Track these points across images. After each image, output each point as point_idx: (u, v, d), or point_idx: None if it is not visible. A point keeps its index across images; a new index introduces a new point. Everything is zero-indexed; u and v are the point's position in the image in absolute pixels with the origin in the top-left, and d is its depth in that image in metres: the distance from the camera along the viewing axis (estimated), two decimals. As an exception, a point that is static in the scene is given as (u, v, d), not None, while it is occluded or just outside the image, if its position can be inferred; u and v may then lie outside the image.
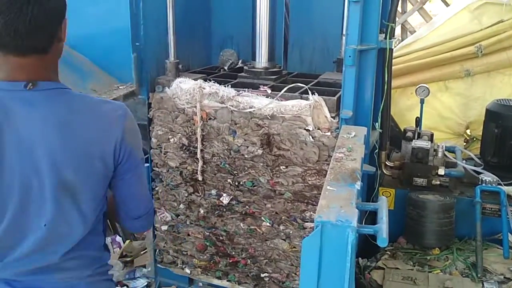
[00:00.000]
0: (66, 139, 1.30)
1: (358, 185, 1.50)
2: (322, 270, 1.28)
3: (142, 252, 3.36)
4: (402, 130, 2.94)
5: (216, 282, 2.73)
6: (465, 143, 4.04)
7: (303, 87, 2.34)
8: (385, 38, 2.34)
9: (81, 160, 1.33)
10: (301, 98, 2.27)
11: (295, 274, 2.52)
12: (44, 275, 1.38)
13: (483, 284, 2.22)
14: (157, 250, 2.85)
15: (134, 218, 1.53)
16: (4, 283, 1.35)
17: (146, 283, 3.02)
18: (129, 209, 1.52)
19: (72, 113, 1.32)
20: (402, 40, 4.27)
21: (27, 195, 1.29)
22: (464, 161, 2.80)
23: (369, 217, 2.15)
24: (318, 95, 2.23)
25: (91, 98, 1.47)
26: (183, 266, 2.78)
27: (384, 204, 1.46)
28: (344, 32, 2.57)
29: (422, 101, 3.06)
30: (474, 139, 4.07)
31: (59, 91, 1.33)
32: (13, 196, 1.28)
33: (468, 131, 4.15)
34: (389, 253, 2.50)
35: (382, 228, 1.31)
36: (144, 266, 3.20)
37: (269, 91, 2.36)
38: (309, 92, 2.24)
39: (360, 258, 2.54)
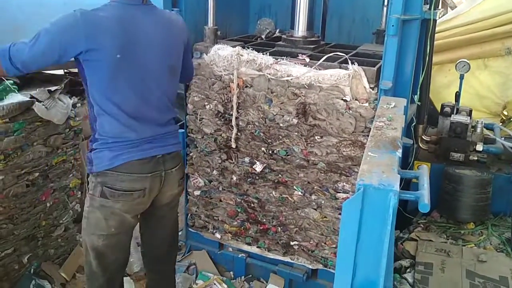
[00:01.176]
0: (169, 35, 2.04)
1: (399, 152, 1.49)
2: (361, 233, 1.29)
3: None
4: (440, 106, 2.89)
5: (246, 248, 2.78)
6: (501, 123, 3.95)
7: (342, 56, 2.32)
8: (429, 8, 2.28)
9: (178, 49, 2.11)
10: (340, 68, 2.24)
11: (325, 243, 2.54)
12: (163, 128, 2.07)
13: (517, 260, 2.20)
14: (189, 215, 2.91)
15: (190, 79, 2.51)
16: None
17: (176, 247, 3.09)
18: (188, 73, 2.38)
19: (166, 19, 2.05)
20: (443, 15, 4.14)
21: (152, 73, 1.98)
22: (502, 138, 2.75)
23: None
24: (357, 65, 2.21)
25: (165, 11, 2.19)
26: (214, 231, 2.84)
27: (425, 172, 1.45)
28: (385, 3, 2.53)
29: (461, 77, 2.99)
30: (511, 119, 3.97)
31: (153, 6, 2.01)
32: (147, 73, 1.95)
33: (505, 112, 4.04)
34: (422, 225, 2.50)
35: (424, 194, 1.31)
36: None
37: (307, 59, 2.34)
38: (349, 62, 2.21)
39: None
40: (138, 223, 2.24)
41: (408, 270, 2.20)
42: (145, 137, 1.98)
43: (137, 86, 1.93)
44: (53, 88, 2.53)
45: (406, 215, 2.63)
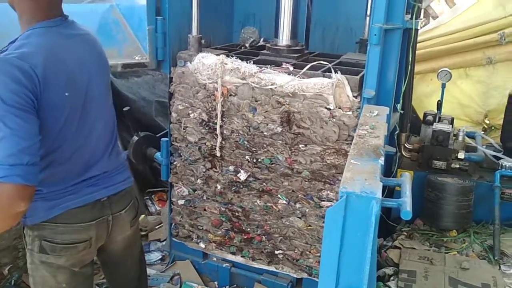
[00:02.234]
0: (96, 55, 1.74)
1: (381, 160, 1.50)
2: (344, 240, 1.29)
3: (157, 227, 3.40)
4: (422, 115, 2.92)
5: (230, 257, 2.76)
6: (483, 132, 4.01)
7: (326, 65, 2.33)
8: (411, 18, 2.32)
9: (106, 70, 1.83)
10: (323, 77, 2.26)
11: (309, 252, 2.54)
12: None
13: (500, 267, 2.22)
14: (173, 224, 2.88)
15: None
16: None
17: (160, 257, 3.05)
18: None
19: (88, 35, 1.74)
20: (425, 25, 4.21)
21: (88, 100, 1.67)
22: (484, 146, 2.78)
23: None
24: (341, 74, 2.22)
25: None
26: (198, 241, 2.81)
27: (407, 179, 1.46)
28: (368, 12, 2.56)
29: (443, 86, 3.03)
30: (493, 128, 4.04)
31: (72, 21, 1.69)
32: (82, 98, 1.65)
33: (486, 120, 4.11)
34: (405, 233, 2.51)
35: (406, 201, 1.31)
36: (159, 240, 3.23)
37: (291, 68, 2.35)
38: (332, 71, 2.23)
39: (378, 239, 2.55)
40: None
41: (391, 278, 2.20)
42: (86, 179, 1.70)
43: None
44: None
45: (389, 223, 2.65)
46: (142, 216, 3.53)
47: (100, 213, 1.72)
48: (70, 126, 1.60)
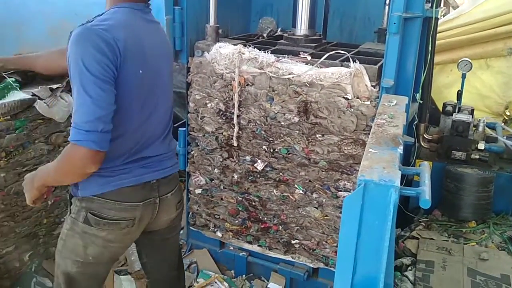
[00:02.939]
0: (166, 46, 1.92)
1: (400, 149, 1.49)
2: (362, 229, 1.29)
3: (174, 216, 3.43)
4: (442, 106, 2.89)
5: (246, 246, 2.78)
6: (503, 123, 3.94)
7: (344, 54, 2.32)
8: (431, 7, 2.28)
9: (171, 61, 2.00)
10: (341, 66, 2.24)
11: (326, 242, 2.54)
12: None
13: (520, 258, 2.20)
14: (190, 213, 2.91)
15: None
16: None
17: (178, 245, 3.08)
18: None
19: (160, 25, 1.91)
20: (445, 15, 4.14)
21: (155, 83, 1.78)
22: (504, 137, 2.74)
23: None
24: (359, 63, 2.20)
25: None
26: (215, 230, 2.84)
27: (426, 168, 1.45)
28: (387, 1, 2.53)
29: (463, 76, 2.98)
30: (514, 119, 3.96)
31: (151, 10, 1.83)
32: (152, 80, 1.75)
33: (507, 111, 4.04)
34: (423, 224, 2.49)
35: (425, 190, 1.31)
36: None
37: (309, 57, 2.34)
38: (350, 60, 2.21)
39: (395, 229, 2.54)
40: (137, 253, 2.13)
41: (409, 268, 2.19)
42: (139, 159, 1.78)
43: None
44: (54, 86, 2.53)
45: (407, 213, 2.63)
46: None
47: (148, 195, 1.81)
48: (137, 104, 1.71)
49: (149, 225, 1.89)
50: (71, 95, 2.63)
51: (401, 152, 1.48)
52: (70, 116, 2.60)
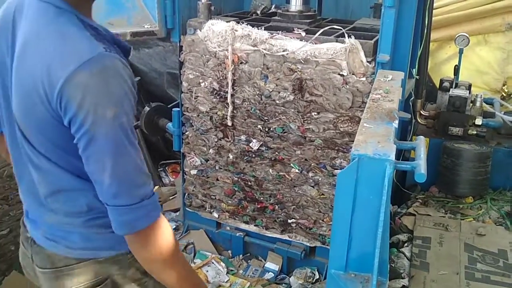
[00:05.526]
0: None
1: (395, 123, 1.46)
2: (357, 204, 1.26)
3: (171, 198, 3.42)
4: (438, 81, 2.86)
5: (243, 226, 2.77)
6: (501, 100, 3.91)
7: (339, 30, 2.27)
8: (428, -21, 2.23)
9: None
10: (337, 42, 2.20)
11: (322, 220, 2.52)
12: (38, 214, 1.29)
13: (517, 233, 2.19)
14: (186, 194, 2.89)
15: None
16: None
17: (174, 226, 3.07)
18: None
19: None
20: (442, -10, 4.07)
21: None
22: (502, 112, 2.72)
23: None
24: (354, 39, 2.16)
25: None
26: (211, 210, 2.82)
27: (422, 142, 1.42)
28: (383, -26, 2.46)
29: (461, 51, 2.94)
30: (511, 95, 3.93)
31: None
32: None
33: (505, 88, 4.00)
34: (420, 200, 2.48)
35: (420, 164, 1.28)
36: (173, 211, 3.26)
37: (303, 34, 2.29)
38: (346, 35, 2.17)
39: (390, 205, 2.53)
40: None
41: (405, 244, 2.19)
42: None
43: None
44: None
45: (404, 190, 2.62)
46: (156, 187, 3.56)
47: (26, 248, 1.38)
48: None
49: None
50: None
51: (396, 127, 1.45)
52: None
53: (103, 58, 1.03)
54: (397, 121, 1.48)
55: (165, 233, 1.18)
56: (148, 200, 1.12)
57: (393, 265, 2.03)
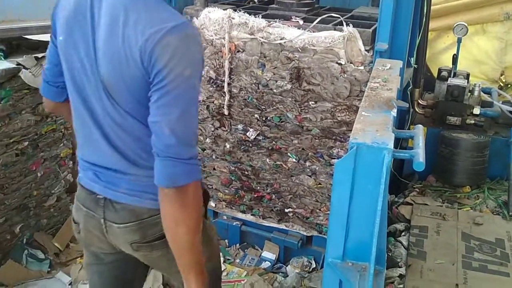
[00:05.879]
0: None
1: (394, 112, 1.45)
2: (354, 193, 1.26)
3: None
4: (436, 71, 2.84)
5: (240, 216, 2.76)
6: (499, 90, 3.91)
7: (337, 18, 2.25)
8: (427, -33, 2.21)
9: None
10: (335, 30, 2.18)
11: (319, 210, 2.52)
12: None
13: (514, 222, 2.19)
14: (183, 184, 2.87)
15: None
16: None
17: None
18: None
19: None
20: (441, -21, 4.05)
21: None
22: (500, 102, 2.71)
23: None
24: (352, 27, 2.14)
25: None
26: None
27: (420, 131, 1.41)
28: (382, -38, 2.44)
29: (459, 40, 2.91)
30: (509, 85, 3.93)
31: None
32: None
33: (503, 78, 4.00)
34: (417, 190, 2.48)
35: (419, 152, 1.27)
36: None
37: (301, 22, 2.27)
38: (344, 24, 2.15)
39: (388, 194, 2.52)
40: None
41: (403, 233, 2.19)
42: (88, 161, 1.40)
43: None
44: (40, 55, 2.47)
45: (401, 180, 2.61)
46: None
47: (93, 207, 1.44)
48: None
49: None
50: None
51: (395, 115, 1.44)
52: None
53: (187, 26, 1.20)
54: (395, 110, 1.47)
55: (199, 196, 1.26)
56: (195, 160, 1.22)
57: (390, 254, 2.03)
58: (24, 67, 2.36)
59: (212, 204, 2.80)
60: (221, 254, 1.78)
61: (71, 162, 2.84)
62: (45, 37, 2.82)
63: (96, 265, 1.53)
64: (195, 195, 1.23)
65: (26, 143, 2.49)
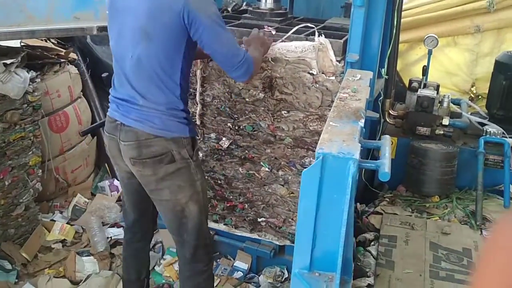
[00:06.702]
0: None
1: (361, 122, 1.46)
2: (321, 202, 1.26)
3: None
4: (408, 82, 2.89)
5: (213, 225, 2.73)
6: (470, 101, 3.99)
7: (310, 28, 2.27)
8: (397, -21, 2.25)
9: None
10: (306, 40, 2.19)
11: (292, 219, 2.52)
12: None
13: (481, 232, 2.22)
14: (155, 193, 2.84)
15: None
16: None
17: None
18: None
19: None
20: (412, -9, 4.12)
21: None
22: (469, 113, 2.76)
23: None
24: (324, 38, 2.16)
25: None
26: (181, 209, 2.78)
27: (387, 142, 1.42)
28: (353, -26, 2.47)
29: (430, 52, 2.97)
30: (480, 97, 4.01)
31: None
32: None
33: (473, 89, 4.08)
34: (388, 199, 2.50)
35: (385, 163, 1.28)
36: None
37: (273, 32, 2.28)
38: (316, 34, 2.16)
39: (358, 204, 2.54)
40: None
41: (372, 243, 2.20)
42: (114, 96, 1.96)
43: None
44: (8, 61, 2.41)
45: (372, 189, 2.63)
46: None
47: (113, 131, 1.96)
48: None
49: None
50: (26, 71, 2.53)
51: (363, 126, 1.45)
52: (26, 92, 2.52)
53: None
54: (363, 120, 1.48)
55: (258, 64, 2.01)
56: (247, 53, 1.90)
57: (359, 263, 2.04)
58: (-8, 74, 2.30)
59: (184, 213, 2.77)
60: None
61: (40, 170, 2.78)
62: (14, 43, 2.77)
63: (122, 180, 2.14)
64: (255, 66, 1.93)
65: (-7, 151, 2.43)
